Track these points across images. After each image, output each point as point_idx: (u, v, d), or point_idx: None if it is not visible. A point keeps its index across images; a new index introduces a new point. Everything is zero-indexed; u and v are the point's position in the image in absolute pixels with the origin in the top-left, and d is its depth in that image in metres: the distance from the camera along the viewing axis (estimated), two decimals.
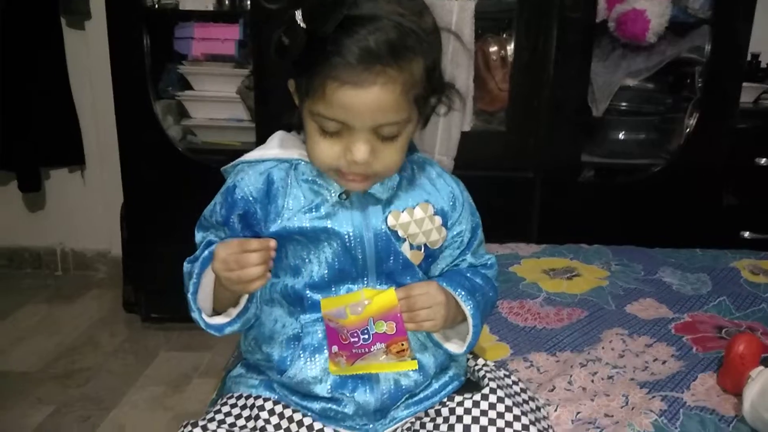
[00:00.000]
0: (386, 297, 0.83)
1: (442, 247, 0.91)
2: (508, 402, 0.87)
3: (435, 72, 0.80)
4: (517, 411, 0.87)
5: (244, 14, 2.12)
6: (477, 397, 0.88)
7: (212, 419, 0.87)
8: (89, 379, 1.96)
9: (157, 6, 2.13)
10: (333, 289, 0.86)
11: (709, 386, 1.08)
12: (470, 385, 0.94)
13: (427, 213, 0.88)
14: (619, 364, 1.16)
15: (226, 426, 0.86)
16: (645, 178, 2.15)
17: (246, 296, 0.86)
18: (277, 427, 0.87)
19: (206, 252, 0.85)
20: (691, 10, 2.05)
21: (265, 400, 0.90)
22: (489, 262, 0.97)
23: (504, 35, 2.12)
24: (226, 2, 2.13)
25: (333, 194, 0.85)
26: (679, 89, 2.20)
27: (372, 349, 0.84)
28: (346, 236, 0.84)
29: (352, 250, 0.85)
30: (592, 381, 1.10)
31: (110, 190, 2.44)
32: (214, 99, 2.19)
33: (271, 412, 0.88)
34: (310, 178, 0.86)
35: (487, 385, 0.90)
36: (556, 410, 1.01)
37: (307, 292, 0.86)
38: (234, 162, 0.89)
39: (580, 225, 2.01)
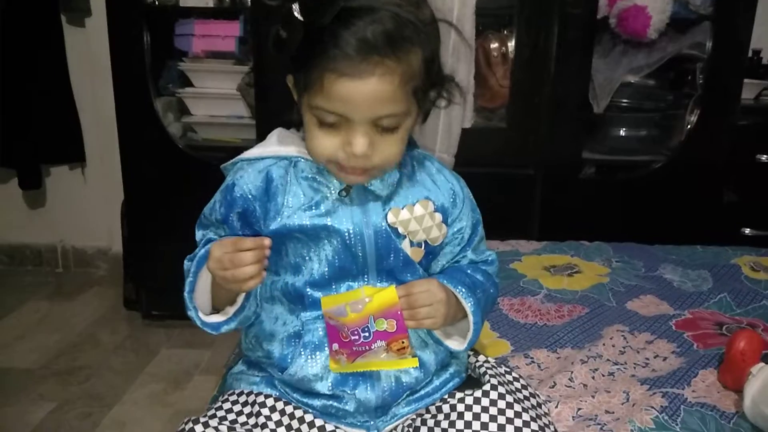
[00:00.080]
0: (386, 295, 0.83)
1: (443, 244, 0.91)
2: (509, 398, 0.87)
3: (434, 64, 0.80)
4: (518, 407, 0.87)
5: (245, 11, 2.12)
6: (478, 393, 0.88)
7: (213, 416, 0.87)
8: (90, 376, 1.96)
9: (157, 3, 2.13)
10: (333, 286, 0.86)
11: (710, 383, 1.08)
12: (471, 381, 0.95)
13: (428, 210, 0.88)
14: (619, 360, 1.16)
15: (227, 423, 0.86)
16: (646, 174, 2.15)
17: (243, 295, 0.86)
18: (278, 423, 0.87)
19: (202, 251, 0.85)
20: (693, 6, 2.04)
21: (266, 396, 0.90)
22: (490, 259, 0.97)
23: (505, 32, 2.11)
24: None
25: (333, 191, 0.85)
26: (680, 86, 2.20)
27: (372, 347, 0.84)
28: (346, 233, 0.84)
29: (352, 247, 0.85)
30: (593, 377, 1.11)
31: (111, 188, 2.43)
32: (214, 96, 2.19)
33: (272, 409, 0.88)
34: (309, 176, 0.85)
35: (488, 381, 0.90)
36: (557, 407, 1.01)
37: (308, 289, 0.86)
38: (233, 160, 0.89)
39: (581, 222, 2.01)
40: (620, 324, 1.30)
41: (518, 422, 0.85)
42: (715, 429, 0.96)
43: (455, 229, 0.92)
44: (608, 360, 1.16)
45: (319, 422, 0.88)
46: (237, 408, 0.89)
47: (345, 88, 0.74)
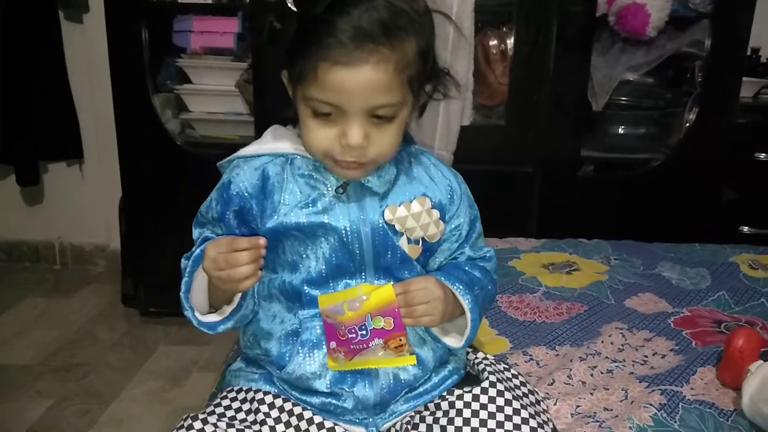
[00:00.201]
0: (384, 292, 0.83)
1: (440, 241, 0.91)
2: (508, 395, 0.87)
3: (429, 55, 0.80)
4: (516, 404, 0.87)
5: (243, 7, 2.12)
6: (476, 390, 0.88)
7: (212, 413, 0.87)
8: (88, 373, 1.96)
9: None
10: (331, 284, 0.86)
11: (709, 380, 1.09)
12: (470, 378, 0.95)
13: (425, 207, 0.87)
14: (618, 358, 1.16)
15: (226, 419, 0.86)
16: (644, 172, 2.15)
17: (239, 294, 0.86)
18: (277, 420, 0.87)
19: (197, 250, 0.85)
20: (692, 4, 2.04)
21: (265, 393, 0.90)
22: (488, 255, 0.97)
23: (504, 29, 2.11)
24: None
25: (330, 188, 0.85)
26: (679, 84, 2.20)
27: (370, 345, 0.84)
28: (343, 231, 0.84)
29: (349, 245, 0.85)
30: (592, 375, 1.11)
31: (109, 184, 2.43)
32: (212, 92, 2.19)
33: (271, 406, 0.88)
34: (306, 173, 0.85)
35: (487, 378, 0.90)
36: (555, 404, 1.01)
37: (305, 287, 0.86)
38: (229, 157, 0.89)
39: (580, 219, 2.01)
40: (619, 321, 1.30)
41: (517, 419, 0.85)
42: (713, 426, 0.97)
43: (453, 226, 0.92)
44: (607, 357, 1.16)
45: (318, 419, 0.88)
46: (236, 405, 0.89)
47: (339, 77, 0.74)
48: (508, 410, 0.86)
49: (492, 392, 0.87)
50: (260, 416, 0.87)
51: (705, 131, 2.08)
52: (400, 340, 0.84)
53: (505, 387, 0.89)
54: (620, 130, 2.21)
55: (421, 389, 0.91)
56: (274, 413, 0.87)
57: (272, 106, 1.93)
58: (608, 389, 1.05)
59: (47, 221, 2.66)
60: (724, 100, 2.07)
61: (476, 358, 0.97)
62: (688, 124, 2.10)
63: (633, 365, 1.14)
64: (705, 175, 2.12)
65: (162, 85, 2.19)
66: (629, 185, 2.17)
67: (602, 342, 1.21)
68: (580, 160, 2.15)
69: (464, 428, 0.85)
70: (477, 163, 1.83)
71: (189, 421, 0.85)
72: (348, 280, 0.86)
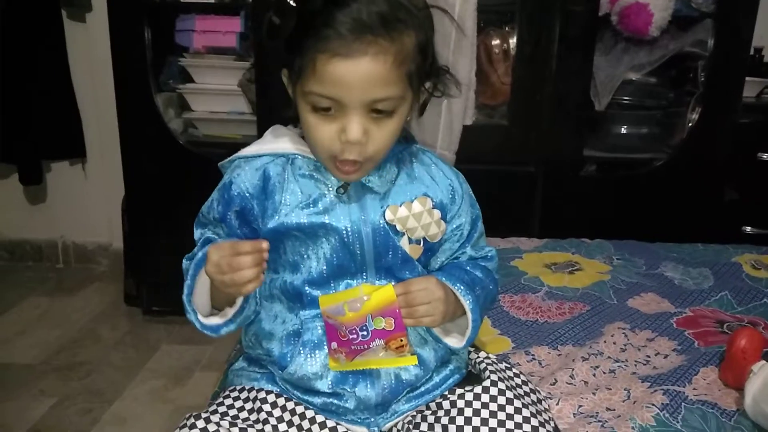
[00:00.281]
0: (384, 293, 0.83)
1: (442, 241, 0.91)
2: (509, 394, 0.87)
3: (428, 50, 0.80)
4: (518, 403, 0.87)
5: (246, 6, 2.12)
6: (478, 389, 0.88)
7: (215, 411, 0.87)
8: (91, 371, 1.96)
9: None
10: (332, 284, 0.86)
11: (711, 380, 1.08)
12: (471, 377, 0.94)
13: (426, 207, 0.87)
14: (620, 358, 1.16)
15: (228, 418, 0.86)
16: (647, 172, 2.15)
17: (242, 297, 0.85)
18: (280, 419, 0.87)
19: (199, 254, 0.84)
20: (695, 3, 2.04)
21: (268, 392, 0.90)
22: (489, 255, 0.97)
23: (506, 28, 2.11)
24: None
25: (330, 189, 0.85)
26: (681, 83, 2.19)
27: (371, 346, 0.84)
28: (344, 231, 0.84)
29: (350, 245, 0.85)
30: (594, 375, 1.11)
31: (111, 183, 2.43)
32: (215, 92, 2.19)
33: (274, 405, 0.88)
34: (307, 173, 0.85)
35: (488, 377, 0.90)
36: (558, 404, 1.01)
37: (306, 288, 0.86)
38: (231, 157, 0.89)
39: (582, 219, 2.01)
40: (621, 321, 1.30)
41: (518, 418, 0.85)
42: (715, 427, 0.97)
43: (454, 226, 0.92)
44: (609, 357, 1.16)
45: (320, 418, 0.88)
46: (238, 404, 0.89)
47: (338, 69, 0.74)
48: (510, 409, 0.86)
49: (493, 391, 0.87)
50: (263, 415, 0.87)
51: (708, 131, 2.08)
52: (401, 340, 0.84)
53: (506, 386, 0.89)
54: (623, 129, 2.20)
55: (422, 389, 0.91)
56: (277, 412, 0.87)
57: (275, 106, 1.93)
58: (610, 389, 1.05)
59: (50, 220, 2.66)
60: (727, 99, 2.07)
61: (478, 357, 0.97)
62: (690, 124, 2.10)
63: (635, 365, 1.14)
64: (708, 175, 2.12)
65: (165, 84, 2.19)
66: (632, 185, 2.16)
67: (605, 342, 1.21)
68: (583, 159, 2.15)
69: (465, 427, 0.85)
70: (479, 163, 1.83)
71: (192, 420, 0.85)
72: (349, 281, 0.86)
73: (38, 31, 2.33)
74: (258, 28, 2.04)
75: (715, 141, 2.09)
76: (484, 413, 0.85)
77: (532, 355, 1.17)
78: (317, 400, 0.88)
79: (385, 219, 0.85)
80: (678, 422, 0.97)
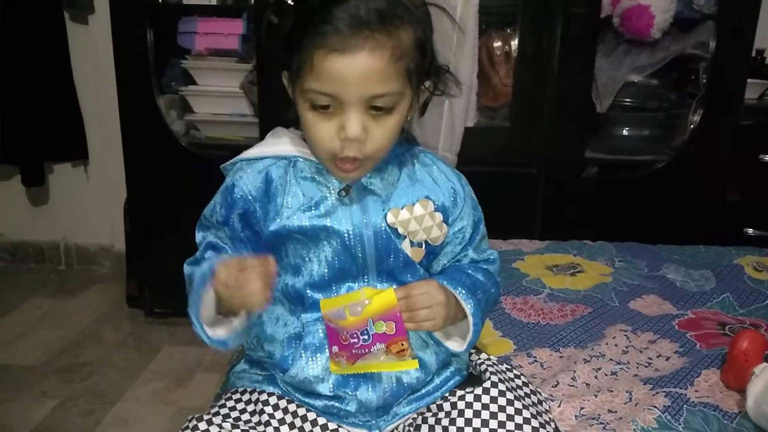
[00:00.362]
0: (385, 297, 0.82)
1: (444, 244, 0.91)
2: (510, 396, 0.87)
3: (426, 47, 0.80)
4: (518, 405, 0.86)
5: (248, 9, 2.12)
6: (478, 390, 0.88)
7: (217, 413, 0.87)
8: (93, 373, 1.96)
9: (160, 0, 2.13)
10: (333, 287, 0.86)
11: (713, 382, 1.08)
12: (472, 379, 0.94)
13: (428, 209, 0.87)
14: (622, 360, 1.16)
15: (230, 420, 0.86)
16: (648, 174, 2.15)
17: None
18: (282, 421, 0.87)
19: (205, 267, 0.81)
20: (696, 5, 2.04)
21: (269, 394, 0.90)
22: (491, 258, 0.97)
23: (508, 30, 2.11)
24: None
25: (332, 191, 0.85)
26: (683, 85, 2.19)
27: (372, 350, 0.83)
28: (346, 234, 0.84)
29: (352, 248, 0.84)
30: (596, 377, 1.11)
31: (114, 185, 2.44)
32: (217, 94, 2.19)
33: (276, 407, 0.88)
34: (309, 176, 0.85)
35: (489, 378, 0.90)
36: (559, 406, 1.01)
37: (308, 291, 0.86)
38: (233, 160, 0.89)
39: (584, 221, 2.01)
40: (623, 323, 1.30)
41: (518, 419, 0.85)
42: (717, 429, 0.96)
43: (456, 229, 0.91)
44: (611, 359, 1.16)
45: (321, 421, 0.88)
46: (240, 406, 0.89)
47: (335, 65, 0.74)
48: (510, 410, 0.86)
49: (494, 392, 0.87)
50: (264, 417, 0.87)
51: (709, 133, 2.08)
52: (402, 344, 0.84)
53: (507, 387, 0.89)
54: (624, 131, 2.20)
55: (423, 391, 0.91)
56: (279, 414, 0.87)
57: (277, 108, 1.92)
58: (612, 391, 1.05)
59: (52, 222, 2.67)
60: (729, 101, 2.07)
61: (478, 358, 0.97)
62: (692, 126, 2.10)
63: (637, 367, 1.14)
64: (709, 177, 2.11)
65: (167, 86, 2.19)
66: (633, 187, 2.16)
67: (606, 344, 1.21)
68: (584, 161, 2.15)
69: (466, 428, 0.84)
70: (481, 165, 1.83)
71: (194, 422, 0.85)
72: (351, 284, 0.86)
73: (40, 32, 2.34)
74: (260, 29, 2.04)
75: (717, 143, 2.09)
76: (485, 414, 0.85)
77: (534, 357, 1.17)
78: (319, 403, 0.88)
79: (386, 222, 0.85)
80: (680, 424, 0.97)
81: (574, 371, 1.11)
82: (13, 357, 2.03)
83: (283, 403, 0.89)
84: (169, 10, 2.15)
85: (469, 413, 0.86)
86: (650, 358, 1.18)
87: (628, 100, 2.14)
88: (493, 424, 0.84)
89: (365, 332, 0.83)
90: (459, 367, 0.95)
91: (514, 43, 2.08)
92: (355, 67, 0.74)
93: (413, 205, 0.86)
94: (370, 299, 0.82)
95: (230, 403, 0.90)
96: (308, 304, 0.86)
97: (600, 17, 2.01)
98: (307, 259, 0.85)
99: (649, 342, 1.23)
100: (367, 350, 0.83)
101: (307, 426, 0.87)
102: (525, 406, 0.87)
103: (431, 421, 0.87)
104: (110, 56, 2.06)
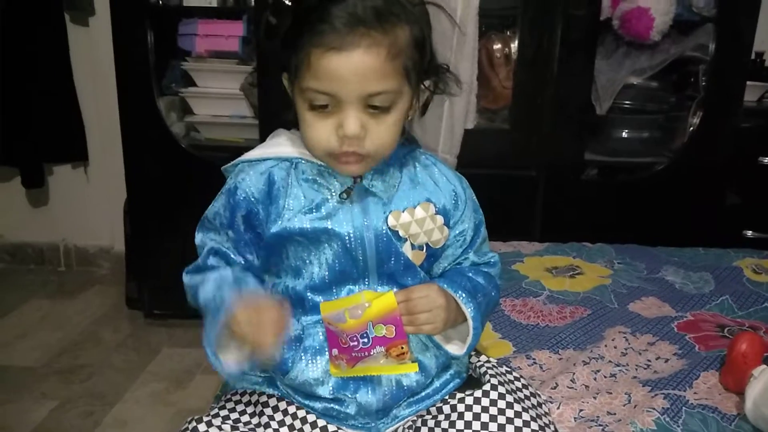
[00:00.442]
0: (385, 300, 0.82)
1: (445, 246, 0.91)
2: (510, 398, 0.87)
3: (424, 46, 0.80)
4: (518, 407, 0.87)
5: (248, 11, 2.12)
6: (478, 393, 0.88)
7: (216, 415, 0.87)
8: (92, 374, 1.96)
9: (161, 2, 2.13)
10: (334, 290, 0.86)
11: (712, 384, 1.08)
12: (472, 381, 0.94)
13: (429, 212, 0.87)
14: (621, 362, 1.16)
15: (230, 422, 0.86)
16: (648, 176, 2.15)
17: None
18: (281, 423, 0.87)
19: (220, 301, 0.79)
20: (696, 8, 2.05)
21: (269, 396, 0.90)
22: (492, 260, 0.96)
23: (508, 33, 2.11)
24: None
25: (334, 194, 0.85)
26: (683, 88, 2.20)
27: (372, 353, 0.83)
28: (347, 237, 0.84)
29: (352, 251, 0.84)
30: (595, 379, 1.11)
31: (113, 186, 2.44)
32: (217, 96, 2.19)
33: (275, 409, 0.88)
34: (310, 177, 0.85)
35: (488, 381, 0.90)
36: (558, 408, 1.01)
37: (308, 293, 0.86)
38: (234, 162, 0.89)
39: (583, 223, 2.01)
40: (622, 326, 1.30)
41: (518, 422, 0.85)
42: (716, 431, 0.97)
43: (457, 232, 0.91)
44: (610, 361, 1.16)
45: (321, 423, 0.88)
46: (240, 407, 0.89)
47: (332, 63, 0.74)
48: (510, 413, 0.86)
49: (494, 395, 0.87)
50: (264, 419, 0.87)
51: (709, 135, 2.08)
52: (402, 348, 0.84)
53: (506, 390, 0.89)
54: (624, 134, 2.21)
55: (422, 394, 0.91)
56: (278, 416, 0.88)
57: (277, 109, 1.93)
58: (611, 393, 1.05)
59: (52, 223, 2.67)
60: (728, 104, 2.07)
61: (478, 361, 0.97)
62: (691, 128, 2.10)
63: (636, 369, 1.14)
64: (709, 179, 2.12)
65: (167, 88, 2.20)
66: (633, 189, 2.17)
67: (605, 346, 1.21)
68: (584, 163, 2.15)
69: (465, 431, 0.85)
70: (480, 167, 1.83)
71: (194, 423, 0.85)
72: (351, 286, 0.86)
73: (40, 34, 2.34)
74: (259, 31, 2.04)
75: (716, 145, 2.09)
76: (485, 417, 0.85)
77: (533, 359, 1.17)
78: (318, 405, 0.88)
79: (387, 225, 0.85)
80: (679, 426, 0.97)
81: (573, 373, 1.11)
82: (13, 358, 2.03)
83: (282, 405, 0.89)
84: (169, 11, 2.15)
85: (468, 416, 0.86)
86: (649, 360, 1.18)
87: (627, 102, 2.15)
88: (493, 426, 0.84)
89: (365, 335, 0.82)
90: (459, 369, 0.95)
91: (514, 45, 2.08)
92: (352, 65, 0.74)
93: (414, 207, 0.86)
94: (370, 302, 0.82)
95: (230, 405, 0.90)
96: (308, 307, 0.86)
97: (600, 19, 2.02)
98: (307, 261, 0.85)
99: (648, 344, 1.23)
100: (366, 353, 0.83)
101: (307, 428, 0.87)
102: (525, 409, 0.87)
103: (431, 423, 0.87)
104: (110, 58, 2.06)
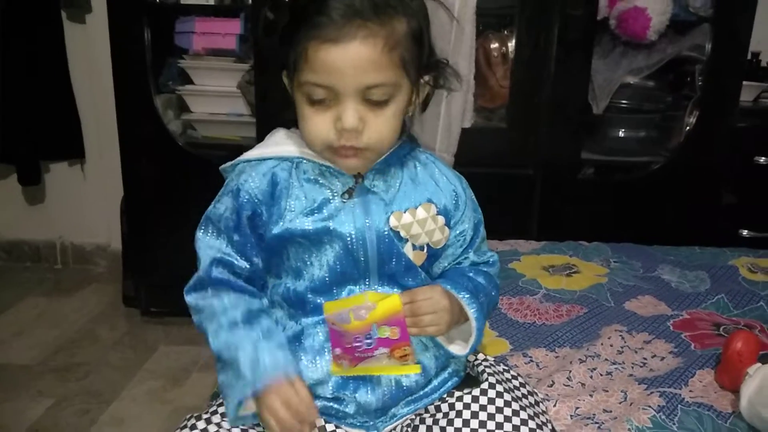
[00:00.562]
0: (390, 303, 0.82)
1: (445, 247, 0.91)
2: (507, 397, 0.88)
3: (423, 39, 0.80)
4: (515, 405, 0.87)
5: (245, 9, 2.12)
6: (476, 392, 0.88)
7: (215, 412, 0.87)
8: (88, 372, 1.96)
9: (158, 0, 2.13)
10: (334, 291, 0.85)
11: (707, 383, 1.09)
12: (469, 380, 0.95)
13: (430, 213, 0.87)
14: (617, 360, 1.17)
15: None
16: (644, 175, 2.16)
17: None
18: None
19: (254, 370, 0.78)
20: (692, 8, 2.05)
21: None
22: (491, 260, 0.97)
23: (505, 32, 2.11)
24: None
25: (336, 194, 0.84)
26: (679, 87, 2.20)
27: (375, 354, 0.83)
28: (348, 238, 0.83)
29: (354, 252, 0.84)
30: (591, 377, 1.11)
31: (110, 184, 2.44)
32: (214, 93, 2.19)
33: None
34: (312, 177, 0.85)
35: (486, 380, 0.90)
36: (555, 405, 1.01)
37: (309, 295, 0.85)
38: (233, 162, 0.88)
39: (580, 222, 2.02)
40: (618, 324, 1.30)
41: (516, 420, 0.85)
42: (711, 428, 0.97)
43: (457, 232, 0.91)
44: (606, 359, 1.17)
45: (320, 421, 0.88)
46: None
47: (329, 55, 0.74)
48: (508, 411, 0.86)
49: (491, 393, 0.88)
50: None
51: (705, 135, 2.09)
52: (405, 349, 0.84)
53: (504, 388, 0.89)
54: (620, 133, 2.21)
55: (421, 392, 0.91)
56: None
57: (274, 107, 1.94)
58: (607, 391, 1.06)
59: (48, 221, 2.66)
60: (724, 103, 2.07)
61: (476, 359, 0.97)
62: (688, 128, 2.11)
63: (632, 367, 1.15)
64: (705, 179, 2.12)
65: (164, 85, 2.19)
66: (629, 188, 2.17)
67: (602, 344, 1.22)
68: (581, 162, 2.15)
69: (464, 429, 0.85)
70: (478, 166, 1.82)
71: (193, 420, 0.85)
72: (351, 287, 0.86)
73: (38, 31, 2.33)
74: (257, 29, 2.04)
75: (713, 145, 2.10)
76: (482, 416, 0.86)
77: (530, 357, 1.18)
78: (317, 404, 0.87)
79: (389, 225, 0.85)
80: (674, 424, 0.97)
81: (570, 371, 1.12)
82: (9, 356, 2.03)
83: None
84: (166, 9, 2.15)
85: (466, 414, 0.86)
86: (645, 359, 1.18)
87: (624, 101, 2.15)
88: (491, 425, 0.85)
89: (369, 336, 0.82)
90: (457, 368, 0.95)
91: (511, 44, 2.08)
92: (349, 57, 0.75)
93: (416, 208, 0.86)
94: (375, 303, 0.82)
95: None
96: (309, 309, 0.86)
97: (597, 19, 2.02)
98: (308, 263, 0.85)
99: (644, 342, 1.24)
100: (370, 354, 0.83)
101: None
102: (522, 407, 0.87)
103: (429, 422, 0.88)
104: (107, 55, 2.06)
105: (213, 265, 0.84)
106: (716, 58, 2.04)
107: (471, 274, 0.92)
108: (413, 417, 0.91)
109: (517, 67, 2.07)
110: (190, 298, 0.85)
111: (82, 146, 2.54)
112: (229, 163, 0.89)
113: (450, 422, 0.86)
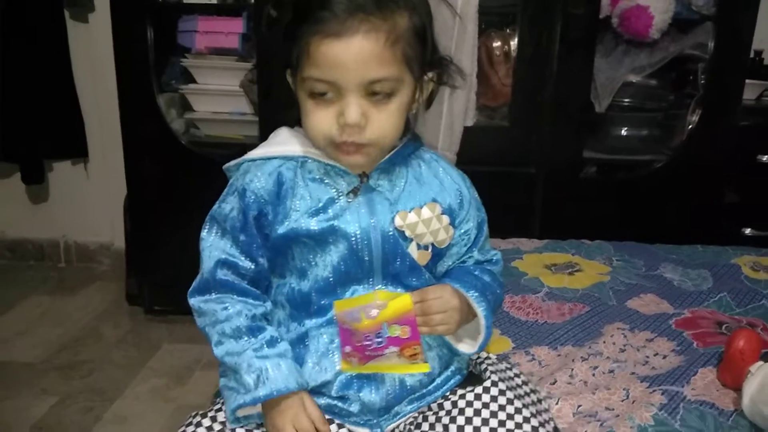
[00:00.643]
0: (401, 302, 0.82)
1: (449, 246, 0.91)
2: (510, 395, 0.88)
3: (425, 35, 0.80)
4: (518, 403, 0.87)
5: (248, 7, 2.12)
6: (479, 389, 0.88)
7: (220, 409, 0.88)
8: (92, 370, 1.97)
9: None
10: (338, 291, 0.85)
11: (709, 381, 1.09)
12: (472, 378, 0.95)
13: (435, 212, 0.87)
14: (620, 358, 1.17)
15: None
16: (647, 174, 2.15)
17: None
18: None
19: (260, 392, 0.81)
20: (695, 6, 2.05)
21: None
22: (495, 259, 0.97)
23: (507, 30, 2.11)
24: None
25: (341, 194, 0.84)
26: (682, 86, 2.20)
27: (385, 352, 0.84)
28: (353, 238, 0.83)
29: (358, 251, 0.84)
30: (593, 375, 1.11)
31: (113, 183, 2.44)
32: (217, 92, 2.19)
33: None
34: (317, 177, 0.85)
35: (489, 377, 0.90)
36: (557, 403, 1.02)
37: (314, 295, 0.85)
38: (237, 161, 0.87)
39: (582, 220, 2.02)
40: (620, 322, 1.30)
41: (518, 418, 0.85)
42: (713, 426, 0.97)
43: (462, 231, 0.91)
44: (608, 358, 1.17)
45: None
46: None
47: (331, 50, 0.75)
48: (510, 409, 0.86)
49: (494, 391, 0.88)
50: None
51: (707, 133, 2.09)
52: (415, 349, 0.84)
53: (506, 386, 0.89)
54: (623, 131, 2.21)
55: (424, 391, 0.91)
56: None
57: (277, 106, 1.93)
58: (610, 389, 1.06)
59: (52, 219, 2.67)
60: (727, 102, 2.07)
61: (478, 357, 0.97)
62: (690, 126, 2.10)
63: (634, 365, 1.15)
64: (707, 177, 2.12)
65: (167, 84, 2.20)
66: (631, 187, 2.17)
67: (604, 342, 1.22)
68: (583, 161, 2.15)
69: (466, 427, 0.85)
70: (480, 164, 1.83)
71: (198, 418, 0.85)
72: (356, 287, 0.86)
73: (41, 30, 2.34)
74: (260, 27, 2.04)
75: (715, 143, 2.10)
76: (485, 413, 0.86)
77: (532, 355, 1.18)
78: (321, 402, 0.88)
79: (394, 225, 0.85)
80: (676, 422, 0.98)
81: (572, 369, 1.12)
82: (13, 354, 2.04)
83: None
84: (169, 8, 2.15)
85: (469, 412, 0.86)
86: (647, 357, 1.18)
87: (626, 100, 2.15)
88: (493, 422, 0.85)
89: (379, 335, 0.82)
90: (459, 366, 0.95)
91: (514, 43, 2.08)
92: (351, 51, 0.75)
93: (421, 207, 0.86)
94: (385, 302, 0.82)
95: None
96: (313, 310, 0.86)
97: (599, 18, 2.02)
98: (313, 263, 0.85)
99: (646, 340, 1.24)
100: (380, 352, 0.83)
101: None
102: (525, 405, 0.88)
103: (432, 419, 0.88)
104: (110, 54, 2.06)
105: (217, 267, 0.84)
106: (719, 57, 2.03)
107: (477, 273, 0.92)
108: (416, 415, 0.91)
109: (520, 66, 2.07)
110: (194, 301, 0.86)
111: (86, 145, 2.54)
112: (233, 162, 0.88)
113: (452, 420, 0.86)
